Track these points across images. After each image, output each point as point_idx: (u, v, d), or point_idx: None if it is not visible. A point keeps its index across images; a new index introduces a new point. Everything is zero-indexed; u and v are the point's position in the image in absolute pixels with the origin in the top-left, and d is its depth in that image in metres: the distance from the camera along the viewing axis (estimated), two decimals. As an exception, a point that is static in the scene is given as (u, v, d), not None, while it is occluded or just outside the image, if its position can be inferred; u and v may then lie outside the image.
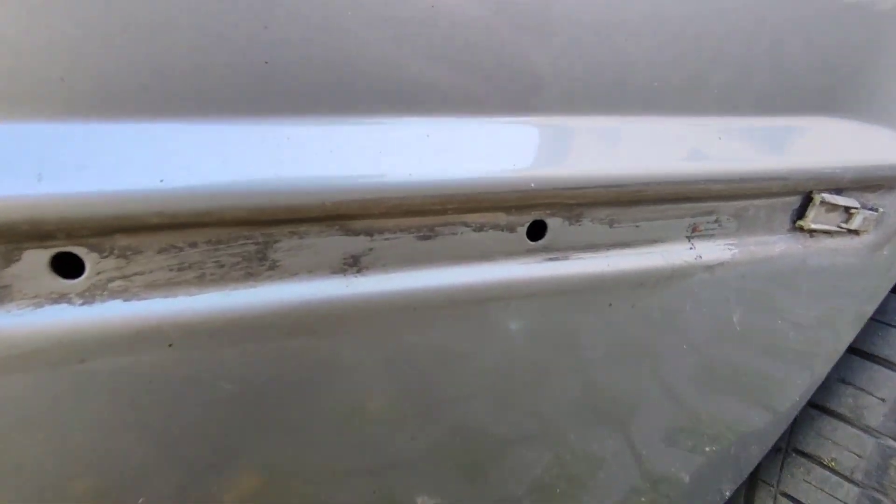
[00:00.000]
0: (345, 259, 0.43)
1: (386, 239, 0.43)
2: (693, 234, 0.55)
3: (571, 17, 0.43)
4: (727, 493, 0.90)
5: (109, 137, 0.36)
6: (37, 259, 0.36)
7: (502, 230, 0.47)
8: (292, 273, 0.42)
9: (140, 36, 0.35)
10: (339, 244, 0.42)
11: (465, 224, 0.45)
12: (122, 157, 0.36)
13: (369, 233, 0.43)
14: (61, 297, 0.38)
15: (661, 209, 0.52)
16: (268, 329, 0.42)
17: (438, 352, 0.48)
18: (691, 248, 0.55)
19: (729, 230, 0.56)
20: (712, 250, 0.55)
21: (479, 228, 0.46)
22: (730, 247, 0.56)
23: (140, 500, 0.46)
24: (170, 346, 0.40)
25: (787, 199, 0.58)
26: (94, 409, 0.40)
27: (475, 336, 0.49)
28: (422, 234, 0.44)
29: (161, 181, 0.36)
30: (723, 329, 0.61)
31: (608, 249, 0.52)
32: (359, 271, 0.44)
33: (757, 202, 0.56)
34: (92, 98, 0.35)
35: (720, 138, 0.51)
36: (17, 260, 0.36)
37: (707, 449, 0.76)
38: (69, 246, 0.37)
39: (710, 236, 0.55)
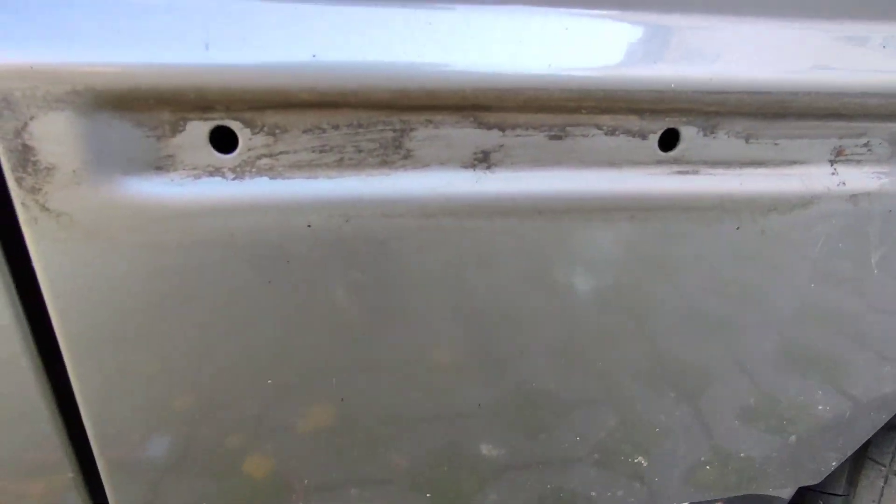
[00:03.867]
0: (475, 154, 0.43)
1: (517, 135, 0.43)
2: (838, 157, 0.50)
3: None
4: (833, 465, 0.84)
5: (268, 13, 0.37)
6: (198, 131, 0.39)
7: (634, 136, 0.45)
8: (425, 164, 0.43)
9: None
10: (471, 137, 0.42)
11: (598, 126, 0.44)
12: (279, 33, 0.37)
13: (502, 127, 0.42)
14: (216, 171, 0.40)
15: (805, 126, 0.48)
16: (398, 218, 0.43)
17: (557, 258, 0.48)
18: (834, 174, 0.50)
19: (880, 156, 0.51)
20: (858, 178, 0.51)
21: (611, 132, 0.45)
22: (879, 175, 0.51)
23: (268, 382, 0.49)
24: (308, 226, 0.42)
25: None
26: (235, 279, 0.43)
27: (594, 246, 0.48)
28: (553, 133, 0.43)
29: (313, 56, 0.37)
30: (858, 271, 0.56)
31: (742, 167, 0.49)
32: (488, 167, 0.44)
33: (915, 128, 0.51)
34: (253, -24, 0.37)
35: (884, 47, 0.46)
36: (182, 130, 0.39)
37: (820, 408, 0.71)
38: (226, 119, 0.39)
39: (858, 162, 0.51)
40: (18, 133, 0.36)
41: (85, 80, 0.35)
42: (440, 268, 0.46)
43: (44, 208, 0.37)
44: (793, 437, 0.73)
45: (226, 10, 0.37)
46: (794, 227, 0.52)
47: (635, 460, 0.68)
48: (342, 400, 0.52)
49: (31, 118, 0.35)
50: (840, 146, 0.50)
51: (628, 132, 0.45)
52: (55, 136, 0.36)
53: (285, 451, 0.53)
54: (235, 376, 0.48)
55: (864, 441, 0.79)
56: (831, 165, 0.51)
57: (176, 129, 0.38)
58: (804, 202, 0.51)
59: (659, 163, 0.47)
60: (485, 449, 0.58)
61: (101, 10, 0.35)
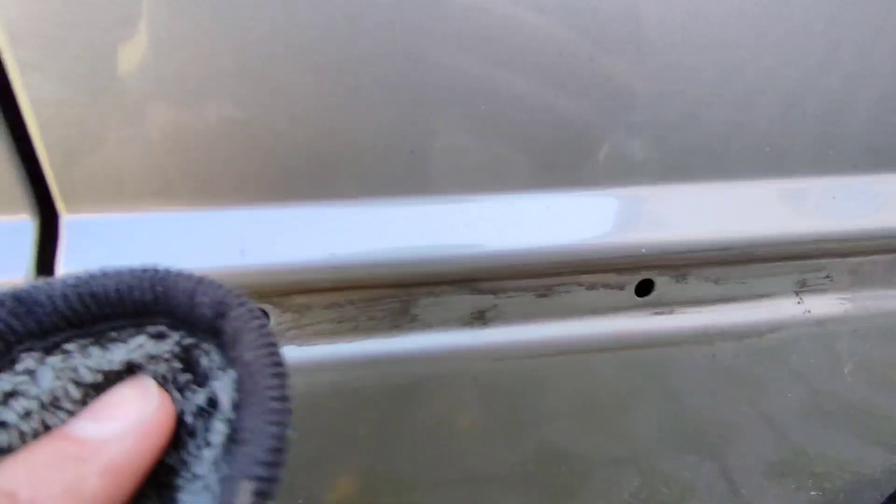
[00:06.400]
0: (472, 314, 0.50)
1: (509, 297, 0.49)
2: (802, 289, 0.56)
3: (672, 94, 0.46)
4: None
5: (290, 219, 0.44)
6: (236, 313, 0.46)
7: (612, 288, 0.51)
8: (429, 325, 0.49)
9: (310, 134, 0.43)
10: (468, 302, 0.49)
11: (579, 283, 0.50)
12: (300, 236, 0.44)
13: (494, 292, 0.49)
14: (251, 342, 0.47)
15: (769, 267, 0.54)
16: (409, 371, 0.50)
17: (552, 398, 0.54)
18: (800, 303, 0.56)
19: (842, 285, 0.56)
20: (823, 305, 0.56)
21: (592, 287, 0.51)
22: (842, 301, 0.57)
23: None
24: (331, 382, 0.49)
25: (908, 253, 0.57)
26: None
27: (586, 384, 0.54)
28: (539, 292, 0.50)
29: (331, 254, 0.44)
30: (832, 381, 0.61)
31: (713, 304, 0.54)
32: (484, 324, 0.50)
33: (874, 258, 0.56)
34: (276, 187, 0.44)
35: (834, 198, 0.52)
36: (223, 314, 0.46)
37: (812, 493, 0.76)
38: (260, 303, 0.46)
39: (822, 291, 0.56)
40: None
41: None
42: (445, 406, 0.53)
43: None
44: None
45: (256, 220, 0.44)
46: (766, 351, 0.57)
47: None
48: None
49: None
50: (803, 279, 0.56)
51: (607, 285, 0.51)
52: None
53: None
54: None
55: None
56: (797, 296, 0.56)
57: (218, 314, 0.46)
58: (773, 329, 0.56)
59: (636, 307, 0.53)
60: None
61: (162, 232, 0.43)
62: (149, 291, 0.27)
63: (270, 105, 0.41)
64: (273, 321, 0.47)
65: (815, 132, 0.50)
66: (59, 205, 0.42)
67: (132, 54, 0.38)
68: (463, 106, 0.43)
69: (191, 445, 0.28)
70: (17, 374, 0.26)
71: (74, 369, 0.27)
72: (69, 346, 0.27)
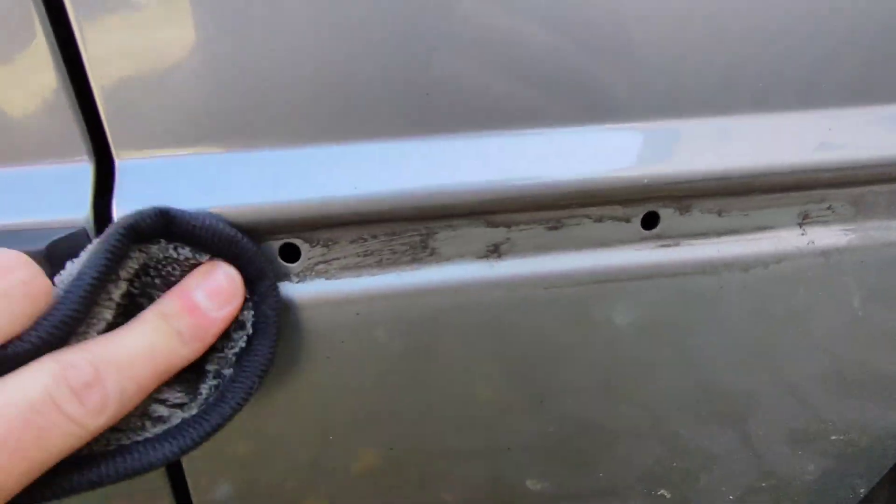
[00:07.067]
0: (488, 247, 0.53)
1: (521, 230, 0.53)
2: (805, 220, 0.58)
3: (683, 25, 0.49)
4: (861, 492, 0.88)
5: (319, 157, 0.49)
6: (271, 248, 0.50)
7: (619, 220, 0.54)
8: (447, 258, 0.53)
9: (336, 81, 0.47)
10: (483, 235, 0.53)
11: (587, 216, 0.53)
12: (328, 172, 0.48)
13: (507, 225, 0.52)
14: (284, 276, 0.51)
15: (770, 199, 0.56)
16: (428, 303, 0.53)
17: (562, 329, 0.57)
18: (803, 234, 0.58)
19: (845, 216, 0.58)
20: (826, 236, 0.58)
21: (599, 219, 0.54)
22: (846, 233, 0.58)
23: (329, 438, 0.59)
24: (357, 314, 0.53)
25: (910, 183, 0.58)
26: (296, 360, 0.54)
27: (593, 313, 0.57)
28: (550, 225, 0.53)
29: (355, 188, 0.48)
30: (842, 317, 0.63)
31: (717, 236, 0.57)
32: (499, 257, 0.54)
33: (876, 188, 0.58)
34: (305, 128, 0.48)
35: (830, 129, 0.54)
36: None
37: (833, 438, 0.76)
38: (291, 238, 0.50)
39: (825, 223, 0.58)
40: (142, 264, 0.48)
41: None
42: (461, 338, 0.56)
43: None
44: (811, 472, 0.78)
45: (286, 158, 0.48)
46: (772, 281, 0.59)
47: (658, 493, 0.75)
48: (391, 449, 0.62)
49: (152, 253, 0.48)
50: (805, 211, 0.58)
51: (614, 218, 0.54)
52: (168, 263, 0.48)
53: None
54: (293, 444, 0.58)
55: (887, 469, 0.83)
56: (800, 227, 0.58)
57: (254, 249, 0.50)
58: (778, 259, 0.58)
59: (643, 240, 0.56)
60: None
61: (206, 172, 0.47)
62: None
63: (300, 50, 0.45)
64: (303, 255, 0.51)
65: (809, 64, 0.52)
66: (114, 150, 0.47)
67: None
68: (473, 49, 0.47)
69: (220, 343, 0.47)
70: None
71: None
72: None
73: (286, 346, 0.53)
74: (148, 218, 0.41)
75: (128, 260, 0.41)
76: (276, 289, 0.48)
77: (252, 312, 0.47)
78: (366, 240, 0.51)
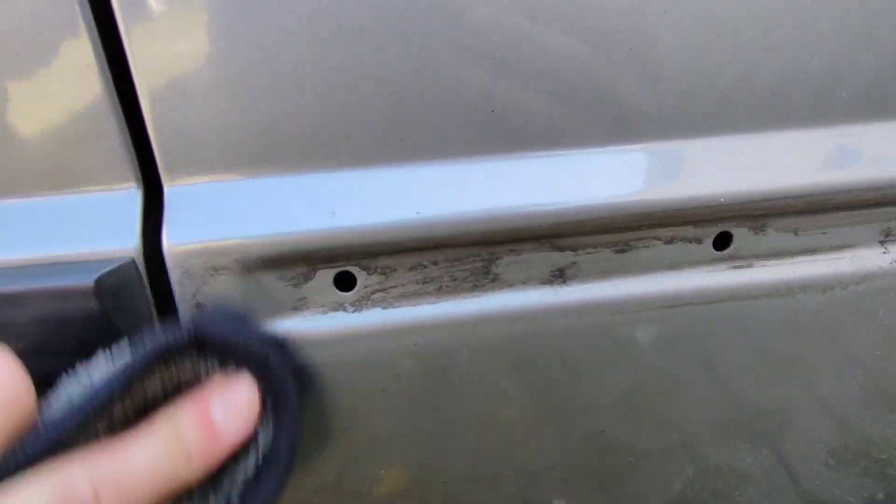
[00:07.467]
0: (552, 271, 0.50)
1: (588, 253, 0.50)
2: (887, 238, 0.54)
3: (765, 34, 0.46)
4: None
5: (378, 180, 0.46)
6: (325, 277, 0.48)
7: (690, 242, 0.51)
8: (510, 284, 0.50)
9: (396, 100, 0.44)
10: (548, 259, 0.49)
11: (657, 238, 0.50)
12: (387, 196, 0.46)
13: (574, 248, 0.49)
14: (339, 306, 0.49)
15: (851, 216, 0.53)
16: (489, 332, 0.50)
17: (630, 353, 0.53)
18: (885, 252, 0.54)
19: (928, 233, 0.55)
20: (909, 254, 0.55)
21: (669, 241, 0.51)
22: (930, 250, 0.55)
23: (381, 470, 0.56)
24: (415, 344, 0.50)
25: None
26: (355, 394, 0.51)
27: (664, 340, 0.54)
28: (618, 247, 0.50)
29: (417, 213, 0.45)
30: (920, 335, 0.59)
31: (793, 256, 0.54)
32: (564, 282, 0.50)
33: (960, 203, 0.54)
34: (364, 150, 0.46)
35: (916, 142, 0.51)
36: (313, 278, 0.47)
37: (890, 472, 0.72)
38: (347, 266, 0.48)
39: (907, 240, 0.55)
40: (193, 295, 0.46)
41: (244, 251, 0.44)
42: (527, 365, 0.53)
43: (210, 350, 0.47)
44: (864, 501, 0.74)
45: (345, 183, 0.46)
46: (852, 302, 0.55)
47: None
48: (444, 482, 0.59)
49: (204, 283, 0.45)
50: (888, 228, 0.54)
51: (685, 239, 0.51)
52: (219, 294, 0.46)
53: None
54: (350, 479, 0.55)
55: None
56: (882, 245, 0.55)
57: (309, 278, 0.47)
58: (858, 280, 0.55)
59: (714, 261, 0.52)
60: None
61: (259, 198, 0.45)
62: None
63: (358, 72, 0.43)
64: (359, 284, 0.48)
65: (893, 75, 0.49)
66: (163, 175, 0.45)
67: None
68: (539, 65, 0.44)
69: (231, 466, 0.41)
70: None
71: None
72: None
73: (341, 380, 0.50)
74: (182, 341, 0.39)
75: (154, 375, 0.40)
76: (298, 425, 0.43)
77: (269, 440, 0.42)
78: (426, 266, 0.49)
